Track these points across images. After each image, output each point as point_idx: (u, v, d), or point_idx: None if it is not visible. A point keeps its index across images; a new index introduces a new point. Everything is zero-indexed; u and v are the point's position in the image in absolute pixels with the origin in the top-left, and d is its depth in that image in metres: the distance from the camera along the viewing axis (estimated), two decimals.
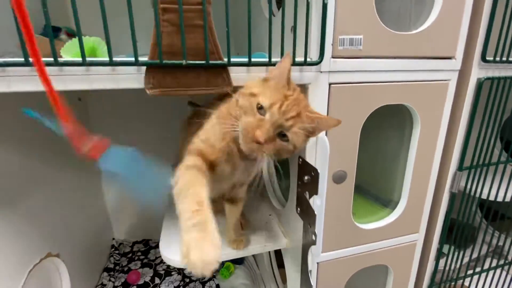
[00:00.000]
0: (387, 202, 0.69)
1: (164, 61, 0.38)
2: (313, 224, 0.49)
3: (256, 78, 0.42)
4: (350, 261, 0.62)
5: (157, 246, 1.20)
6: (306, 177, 0.50)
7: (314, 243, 0.50)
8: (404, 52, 0.51)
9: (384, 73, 0.51)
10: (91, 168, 1.06)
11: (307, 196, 0.51)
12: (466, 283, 0.86)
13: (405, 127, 0.61)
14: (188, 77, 0.40)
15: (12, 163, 0.62)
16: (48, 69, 0.36)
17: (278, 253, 0.95)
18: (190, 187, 0.37)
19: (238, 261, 1.11)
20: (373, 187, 0.75)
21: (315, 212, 0.48)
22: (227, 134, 0.43)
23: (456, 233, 0.74)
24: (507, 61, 0.58)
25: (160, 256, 1.16)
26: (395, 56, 0.50)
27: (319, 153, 0.50)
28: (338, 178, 0.55)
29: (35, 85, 0.35)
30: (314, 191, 0.48)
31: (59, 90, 0.36)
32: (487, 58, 0.57)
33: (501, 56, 0.57)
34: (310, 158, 0.51)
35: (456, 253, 0.76)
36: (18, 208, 0.62)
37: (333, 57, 0.47)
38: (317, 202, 0.50)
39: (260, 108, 0.38)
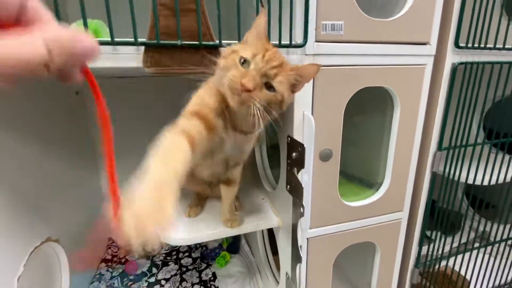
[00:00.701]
0: (372, 184, 0.73)
1: (161, 41, 0.42)
2: (301, 197, 0.53)
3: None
4: (338, 237, 0.66)
5: None
6: (294, 154, 0.54)
7: (302, 215, 0.54)
8: (382, 37, 0.55)
9: (364, 57, 0.55)
10: (91, 163, 1.09)
11: (296, 172, 0.55)
12: (451, 265, 0.90)
13: (387, 110, 0.65)
14: (183, 57, 0.44)
15: (16, 148, 0.64)
16: None
17: (272, 242, 0.98)
18: (166, 154, 0.34)
19: (233, 250, 1.13)
20: (358, 171, 0.79)
21: (303, 185, 0.52)
22: (218, 93, 0.43)
23: (441, 218, 0.78)
24: (479, 47, 0.63)
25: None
26: (374, 41, 0.55)
27: (305, 130, 0.53)
28: (325, 156, 0.58)
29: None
30: (301, 165, 0.52)
31: None
32: (460, 44, 0.61)
33: (473, 43, 0.62)
34: (297, 137, 0.55)
35: (442, 239, 0.80)
36: (21, 191, 0.64)
37: (316, 41, 0.51)
38: (304, 178, 0.54)
39: (243, 62, 0.40)
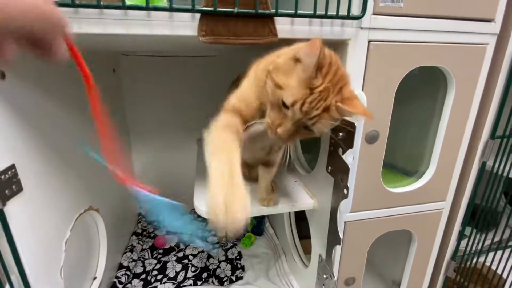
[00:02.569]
0: (413, 173, 0.70)
1: (217, 9, 0.41)
2: (345, 179, 0.51)
3: (288, 52, 0.39)
4: (377, 223, 0.64)
5: None
6: (341, 134, 0.52)
7: (346, 196, 0.53)
8: (443, 12, 0.51)
9: (422, 33, 0.51)
10: (124, 143, 1.13)
11: (340, 153, 0.53)
12: (488, 263, 0.86)
13: (438, 93, 0.61)
14: (238, 26, 0.43)
15: (66, 123, 0.67)
16: (113, 13, 0.39)
17: (299, 226, 0.98)
18: (223, 150, 0.37)
19: (258, 233, 1.15)
20: (399, 160, 0.76)
21: (349, 166, 0.50)
22: (263, 93, 0.42)
23: (479, 215, 0.74)
24: None
25: None
26: (435, 15, 0.51)
27: None
28: (371, 138, 0.56)
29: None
30: (349, 145, 0.50)
31: (120, 33, 0.40)
32: None
33: None
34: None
35: (478, 236, 0.77)
36: (69, 161, 0.67)
37: (374, 13, 0.48)
38: (349, 159, 0.52)
39: (284, 105, 0.37)
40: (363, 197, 0.60)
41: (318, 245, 0.67)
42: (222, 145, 0.38)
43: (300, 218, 0.98)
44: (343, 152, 0.52)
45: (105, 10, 0.39)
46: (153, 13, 0.40)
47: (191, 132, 1.20)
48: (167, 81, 1.11)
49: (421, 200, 0.65)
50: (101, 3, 0.38)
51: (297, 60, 0.37)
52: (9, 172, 0.46)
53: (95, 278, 0.80)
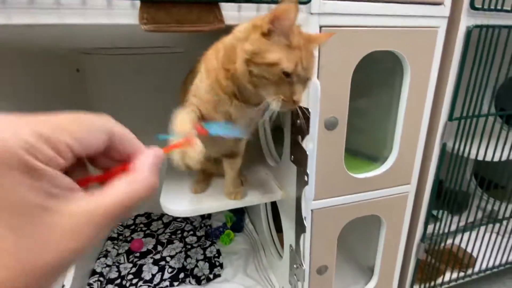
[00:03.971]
0: (377, 159, 0.71)
1: None
2: (305, 165, 0.51)
3: (249, 27, 0.39)
4: (343, 210, 0.64)
5: (159, 219, 1.23)
6: (298, 121, 0.52)
7: (306, 183, 0.52)
8: None
9: (374, 17, 0.52)
10: None
11: (300, 140, 0.53)
12: (458, 243, 0.89)
13: (395, 78, 0.62)
14: (181, 13, 0.41)
15: None
16: (44, 2, 0.37)
17: (276, 220, 0.98)
18: (183, 120, 0.44)
19: (238, 229, 1.14)
20: (362, 144, 0.77)
21: (307, 153, 0.50)
22: (215, 85, 0.44)
23: (448, 198, 0.76)
24: (496, 9, 0.59)
25: (162, 227, 1.19)
26: (385, 0, 0.51)
27: (310, 95, 0.51)
28: (330, 125, 0.56)
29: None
30: (306, 132, 0.50)
31: (53, 23, 0.38)
32: (476, 6, 0.57)
33: (489, 4, 0.58)
34: (302, 103, 0.52)
35: (449, 218, 0.79)
36: None
37: None
38: (309, 146, 0.52)
39: (287, 75, 0.38)
40: (327, 184, 0.60)
41: (288, 235, 0.67)
42: (182, 119, 0.45)
43: (277, 211, 0.98)
44: (302, 139, 0.52)
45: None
46: (89, 0, 0.38)
47: (164, 129, 1.17)
48: (134, 80, 1.08)
49: (386, 185, 0.66)
50: None
51: (267, 33, 0.38)
52: None
53: (63, 286, 0.76)
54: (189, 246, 1.06)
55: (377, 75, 0.66)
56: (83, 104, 1.03)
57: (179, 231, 1.16)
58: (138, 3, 0.40)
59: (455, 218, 0.91)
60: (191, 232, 1.14)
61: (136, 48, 0.95)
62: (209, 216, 1.23)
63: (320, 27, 0.50)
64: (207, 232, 1.12)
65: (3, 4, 0.36)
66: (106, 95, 1.08)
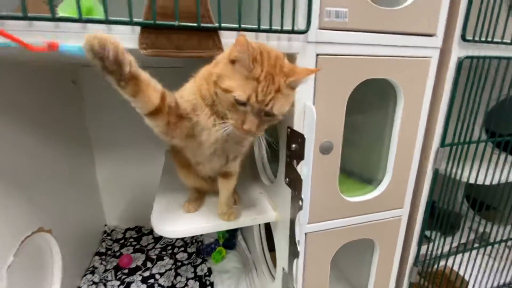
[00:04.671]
0: (371, 180, 0.72)
1: (157, 22, 0.40)
2: (300, 190, 0.51)
3: (221, 60, 0.42)
4: (337, 233, 0.64)
5: (149, 233, 1.21)
6: (293, 145, 0.52)
7: (301, 208, 0.52)
8: (387, 27, 0.53)
9: (368, 47, 0.53)
10: (87, 157, 1.07)
11: (295, 164, 0.53)
12: (452, 266, 0.89)
13: (389, 104, 0.64)
14: (181, 39, 0.42)
15: (10, 136, 0.62)
16: (45, 25, 0.37)
17: (269, 238, 0.96)
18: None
19: (230, 246, 1.12)
20: (357, 166, 0.77)
21: (302, 178, 0.50)
22: (197, 90, 0.46)
23: (441, 219, 0.77)
24: (486, 41, 0.61)
25: (153, 242, 1.16)
26: (379, 30, 0.53)
27: (306, 120, 0.52)
28: (325, 149, 0.57)
29: None
30: (301, 157, 0.50)
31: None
32: (467, 38, 0.60)
33: (480, 36, 0.61)
34: (298, 128, 0.53)
35: (441, 239, 0.79)
36: (13, 179, 0.62)
37: (320, 28, 0.49)
38: (304, 170, 0.52)
39: (240, 103, 0.40)
40: (321, 207, 0.60)
41: (281, 257, 0.66)
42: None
43: (270, 230, 0.97)
44: (297, 164, 0.52)
45: (34, 22, 0.37)
46: (89, 25, 0.39)
47: (158, 143, 1.16)
48: None
49: (379, 208, 0.66)
50: (28, 14, 0.36)
51: (233, 61, 0.40)
52: None
53: None
54: (179, 263, 1.03)
55: (371, 99, 0.67)
56: (78, 116, 1.02)
57: (169, 247, 1.13)
58: (138, 28, 0.40)
59: (448, 240, 0.92)
60: (182, 248, 1.12)
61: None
62: None
63: (317, 55, 0.51)
64: (198, 249, 1.10)
65: (2, 25, 0.36)
66: (103, 107, 1.07)
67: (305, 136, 0.48)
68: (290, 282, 0.60)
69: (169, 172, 0.91)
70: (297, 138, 0.51)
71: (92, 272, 0.94)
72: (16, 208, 0.62)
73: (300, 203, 0.52)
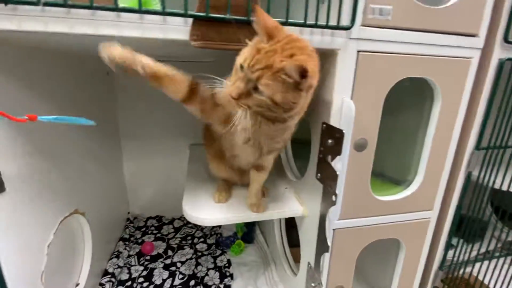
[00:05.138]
0: (399, 181, 0.71)
1: (210, 14, 0.41)
2: (334, 185, 0.52)
3: None
4: (365, 231, 0.64)
5: (170, 223, 1.24)
6: (329, 141, 0.53)
7: (334, 203, 0.53)
8: (430, 26, 0.53)
9: (410, 45, 0.53)
10: (115, 147, 1.11)
11: (330, 160, 0.54)
12: (475, 274, 0.87)
13: (424, 104, 0.63)
14: (229, 32, 0.43)
15: (52, 125, 0.66)
16: (106, 15, 0.40)
17: (289, 233, 0.97)
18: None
19: (248, 240, 1.13)
20: (385, 167, 0.76)
21: (337, 173, 0.51)
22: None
23: (466, 225, 0.75)
24: None
25: (173, 232, 1.19)
26: (422, 29, 0.53)
27: (344, 116, 0.52)
28: (359, 146, 0.57)
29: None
30: (337, 152, 0.51)
31: (112, 35, 0.40)
32: (510, 39, 0.58)
33: None
34: (334, 124, 0.54)
35: (465, 245, 0.78)
36: (54, 162, 0.66)
37: (362, 25, 0.50)
38: (338, 166, 0.53)
39: (241, 67, 0.41)
40: (351, 204, 0.60)
41: (307, 252, 0.67)
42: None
43: (291, 225, 0.97)
44: (332, 159, 0.53)
45: (98, 11, 0.39)
46: (146, 16, 0.41)
47: (183, 137, 1.20)
48: None
49: (409, 209, 0.66)
50: (94, 4, 0.38)
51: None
52: None
53: (77, 285, 0.77)
54: (200, 253, 1.06)
55: (406, 99, 0.67)
56: (109, 105, 1.06)
57: (189, 237, 1.16)
58: (190, 20, 0.42)
59: (471, 247, 0.90)
60: (202, 239, 1.14)
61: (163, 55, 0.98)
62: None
63: (358, 51, 0.51)
64: (217, 241, 1.12)
65: (67, 14, 0.39)
66: (133, 99, 1.11)
67: (344, 131, 0.48)
68: (317, 277, 0.61)
69: (196, 164, 0.93)
70: (334, 134, 0.52)
71: (117, 256, 0.97)
72: (56, 190, 0.65)
73: (334, 198, 0.52)
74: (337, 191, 0.51)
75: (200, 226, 1.22)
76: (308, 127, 0.63)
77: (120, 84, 1.08)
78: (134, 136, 1.17)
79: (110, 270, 0.91)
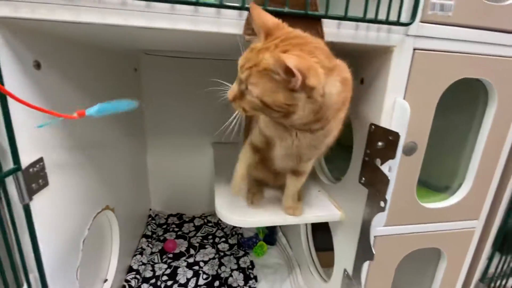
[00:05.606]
0: (442, 188, 0.68)
1: (267, 7, 0.39)
2: (383, 191, 0.49)
3: None
4: (407, 239, 0.61)
5: (190, 221, 1.23)
6: (380, 143, 0.50)
7: (382, 210, 0.50)
8: (492, 24, 0.49)
9: (469, 44, 0.50)
10: (141, 142, 1.11)
11: (379, 164, 0.51)
12: None
13: (478, 107, 0.59)
14: None
15: (89, 122, 0.65)
16: (161, 7, 0.38)
17: (315, 237, 0.95)
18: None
19: (270, 242, 1.11)
20: (430, 174, 0.73)
21: (389, 178, 0.48)
22: None
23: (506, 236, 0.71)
24: None
25: (194, 230, 1.18)
26: (484, 27, 0.49)
27: (397, 117, 0.49)
28: (409, 150, 0.54)
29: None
30: (390, 156, 0.48)
31: (166, 28, 0.38)
32: None
33: None
34: (384, 125, 0.51)
35: (508, 258, 0.73)
36: (90, 157, 0.65)
37: (421, 21, 0.46)
38: (385, 170, 0.50)
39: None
40: (396, 211, 0.57)
41: (343, 258, 0.64)
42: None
43: (315, 229, 0.95)
44: (382, 163, 0.50)
45: (153, 3, 0.38)
46: (201, 8, 0.39)
47: (205, 135, 1.18)
48: (186, 82, 1.10)
49: (454, 218, 0.62)
50: None
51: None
52: (37, 165, 0.44)
53: (106, 281, 0.77)
54: (222, 253, 1.04)
55: (456, 100, 0.63)
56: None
57: (210, 236, 1.15)
58: (245, 14, 0.40)
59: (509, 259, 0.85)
60: (223, 239, 1.13)
61: (191, 52, 0.97)
62: None
63: (414, 49, 0.48)
64: (239, 241, 1.11)
65: (123, 6, 0.37)
66: (159, 96, 1.11)
67: (399, 133, 0.45)
68: (356, 286, 0.58)
69: (222, 163, 0.92)
70: (385, 136, 0.49)
71: (141, 253, 0.97)
72: (92, 185, 0.65)
73: (382, 204, 0.50)
74: (387, 197, 0.49)
75: (220, 225, 1.21)
76: None
77: (147, 80, 1.08)
78: (157, 132, 1.16)
79: (135, 267, 0.91)
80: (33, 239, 0.43)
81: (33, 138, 0.44)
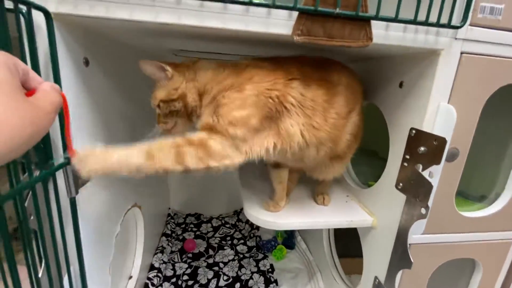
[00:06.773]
0: (479, 198, 0.66)
1: (318, 8, 0.39)
2: (426, 197, 0.48)
3: None
4: (443, 248, 0.59)
5: (208, 221, 1.23)
6: (422, 149, 0.49)
7: (423, 216, 0.49)
8: None
9: None
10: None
11: (420, 169, 0.50)
12: None
13: None
14: (334, 28, 0.41)
15: (127, 114, 0.66)
16: (213, 6, 0.38)
17: (338, 243, 0.93)
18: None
19: (289, 246, 1.10)
20: (466, 183, 0.71)
21: (432, 184, 0.47)
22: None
23: None
24: None
25: (212, 231, 1.18)
26: None
27: (440, 122, 0.48)
28: (451, 156, 0.52)
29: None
30: (434, 161, 0.47)
31: (217, 27, 0.39)
32: None
33: None
34: (426, 130, 0.50)
35: None
36: None
37: (470, 24, 0.45)
38: (427, 175, 0.49)
39: None
40: (434, 219, 0.56)
41: (373, 266, 0.63)
42: None
43: (335, 234, 0.93)
44: (424, 169, 0.49)
45: (205, 3, 0.38)
46: (252, 8, 0.39)
47: None
48: None
49: (492, 228, 0.60)
50: None
51: None
52: None
53: (130, 277, 0.77)
54: (241, 255, 1.04)
55: (499, 108, 0.61)
56: None
57: (228, 237, 1.15)
58: (295, 14, 0.40)
59: None
60: (242, 241, 1.12)
61: (216, 54, 0.97)
62: (257, 226, 1.21)
63: (461, 53, 0.47)
64: (257, 244, 1.10)
65: (177, 4, 0.38)
66: None
67: (446, 138, 0.44)
68: None
69: (245, 166, 0.91)
70: (429, 141, 0.48)
71: (162, 252, 0.97)
72: (123, 182, 0.66)
73: (423, 211, 0.48)
74: (429, 204, 0.47)
75: (238, 227, 1.21)
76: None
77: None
78: None
79: (156, 265, 0.91)
80: (76, 232, 0.44)
81: (86, 130, 0.45)
